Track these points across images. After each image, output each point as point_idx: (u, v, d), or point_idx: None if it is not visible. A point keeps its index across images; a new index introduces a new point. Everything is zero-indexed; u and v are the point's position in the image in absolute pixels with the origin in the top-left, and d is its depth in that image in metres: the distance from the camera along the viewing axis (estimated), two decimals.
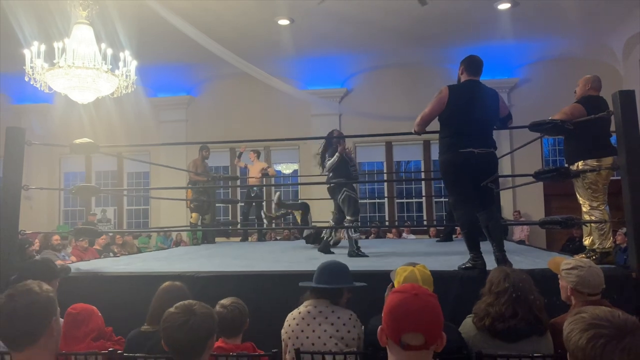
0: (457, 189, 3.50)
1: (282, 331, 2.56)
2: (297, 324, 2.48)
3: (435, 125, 3.61)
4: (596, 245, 3.74)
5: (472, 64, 3.57)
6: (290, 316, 2.58)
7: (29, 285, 1.85)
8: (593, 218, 3.75)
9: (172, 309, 1.83)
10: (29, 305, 1.75)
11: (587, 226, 3.88)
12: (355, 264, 3.99)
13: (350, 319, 2.47)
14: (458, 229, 8.06)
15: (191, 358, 1.77)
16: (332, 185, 5.30)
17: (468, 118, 3.40)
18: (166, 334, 1.78)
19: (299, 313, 2.53)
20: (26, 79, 7.57)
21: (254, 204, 8.34)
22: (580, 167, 3.80)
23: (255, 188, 8.39)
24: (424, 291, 1.40)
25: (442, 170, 3.56)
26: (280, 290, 3.26)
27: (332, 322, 2.44)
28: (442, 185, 11.64)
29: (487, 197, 3.48)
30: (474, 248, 3.40)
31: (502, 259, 3.34)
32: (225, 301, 2.48)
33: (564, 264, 2.53)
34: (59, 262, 4.66)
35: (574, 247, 8.27)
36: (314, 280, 2.60)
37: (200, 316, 1.79)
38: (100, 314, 2.69)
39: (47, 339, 1.77)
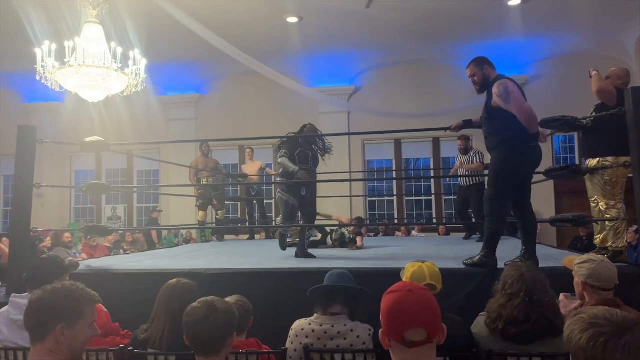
0: (511, 182, 3.34)
1: (289, 341, 2.45)
2: (312, 344, 2.37)
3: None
4: (609, 244, 3.69)
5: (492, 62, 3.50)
6: (298, 327, 2.45)
7: (63, 284, 1.82)
8: (608, 216, 3.69)
9: (195, 304, 1.89)
10: (43, 301, 1.71)
11: (598, 224, 3.83)
12: (364, 263, 3.99)
13: (369, 335, 2.39)
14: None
15: (212, 352, 1.81)
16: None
17: None
18: (188, 327, 1.83)
19: (313, 331, 2.39)
20: (37, 77, 7.63)
21: (255, 202, 8.33)
22: (596, 164, 3.73)
23: (255, 187, 8.37)
24: (416, 286, 1.41)
25: (503, 163, 3.34)
26: (288, 287, 3.26)
27: (352, 343, 2.35)
28: (453, 182, 11.45)
29: (529, 193, 3.47)
30: (492, 246, 3.35)
31: (530, 258, 3.28)
32: (230, 299, 2.48)
33: (578, 259, 2.52)
34: (68, 259, 4.70)
35: (582, 246, 8.19)
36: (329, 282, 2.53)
37: (221, 311, 1.85)
38: (106, 310, 2.71)
39: (52, 344, 1.68)
